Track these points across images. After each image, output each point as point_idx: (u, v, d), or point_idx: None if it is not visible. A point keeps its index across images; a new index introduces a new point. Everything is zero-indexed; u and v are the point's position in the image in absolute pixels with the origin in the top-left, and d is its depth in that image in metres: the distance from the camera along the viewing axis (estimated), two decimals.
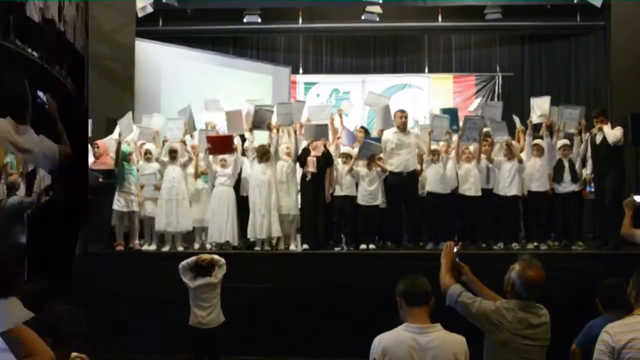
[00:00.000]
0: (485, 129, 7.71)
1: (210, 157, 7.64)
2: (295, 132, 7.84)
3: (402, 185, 7.59)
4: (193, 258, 5.54)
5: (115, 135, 7.80)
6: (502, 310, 3.11)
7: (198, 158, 7.96)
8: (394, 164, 7.59)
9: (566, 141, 7.73)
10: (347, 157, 7.69)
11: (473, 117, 7.79)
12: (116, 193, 7.55)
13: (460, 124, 8.01)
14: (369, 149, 7.49)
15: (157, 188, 7.60)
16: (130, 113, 7.92)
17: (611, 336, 2.90)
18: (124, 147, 7.70)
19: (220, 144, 7.64)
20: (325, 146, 7.66)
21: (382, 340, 2.84)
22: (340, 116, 8.36)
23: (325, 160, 7.61)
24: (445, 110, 8.12)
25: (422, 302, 2.89)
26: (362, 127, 8.43)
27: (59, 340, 2.42)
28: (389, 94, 12.73)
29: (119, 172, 7.58)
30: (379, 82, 12.89)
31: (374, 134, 8.28)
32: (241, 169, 7.77)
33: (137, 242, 7.72)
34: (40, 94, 2.90)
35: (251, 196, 7.50)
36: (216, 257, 5.62)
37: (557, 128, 7.67)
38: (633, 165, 8.69)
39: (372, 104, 8.39)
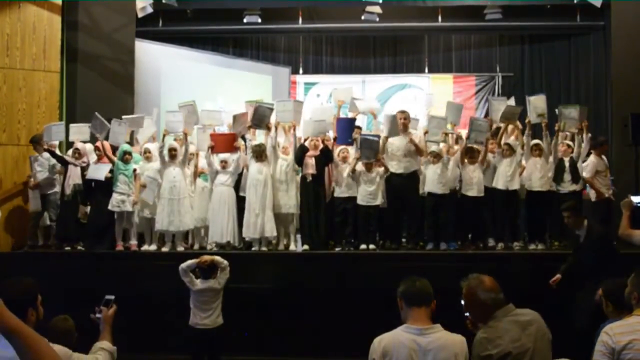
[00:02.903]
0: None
1: (212, 156, 7.64)
2: (294, 128, 7.83)
3: (403, 185, 7.57)
4: (194, 260, 5.49)
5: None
6: (488, 334, 3.00)
7: (198, 157, 7.98)
8: (395, 165, 7.59)
9: (569, 141, 7.74)
10: (346, 151, 7.68)
11: (478, 119, 7.74)
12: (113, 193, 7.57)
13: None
14: (370, 145, 7.40)
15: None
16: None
17: (611, 337, 2.89)
18: (123, 147, 7.71)
19: (223, 142, 7.63)
20: (323, 142, 7.64)
21: (382, 341, 2.83)
22: (340, 107, 8.31)
23: (325, 158, 7.60)
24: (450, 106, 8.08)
25: (422, 303, 2.88)
26: (357, 127, 8.30)
27: (34, 305, 2.60)
28: (389, 94, 12.78)
29: (114, 172, 7.59)
30: (379, 82, 12.92)
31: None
32: (243, 169, 7.76)
33: (133, 242, 7.70)
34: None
35: (247, 195, 7.50)
36: (218, 258, 5.55)
37: (558, 128, 7.65)
38: (633, 165, 8.71)
39: (365, 110, 8.33)
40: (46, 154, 7.81)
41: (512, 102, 8.35)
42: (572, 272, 6.00)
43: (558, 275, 6.02)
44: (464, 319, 3.32)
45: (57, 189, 7.92)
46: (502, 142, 7.67)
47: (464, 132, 7.86)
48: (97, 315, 3.07)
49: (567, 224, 6.10)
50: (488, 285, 3.13)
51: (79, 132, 7.95)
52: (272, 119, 7.74)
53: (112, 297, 3.13)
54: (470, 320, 3.29)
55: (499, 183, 7.56)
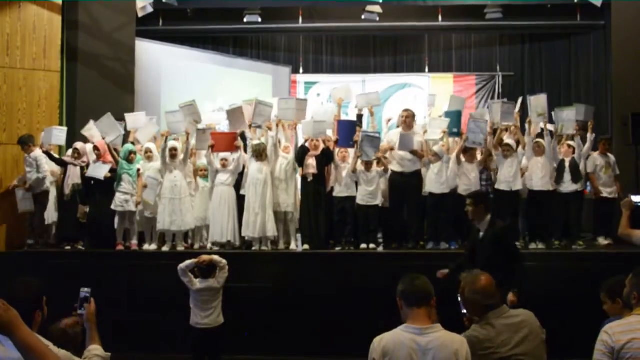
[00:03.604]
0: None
1: (212, 155, 7.64)
2: (295, 127, 7.83)
3: (404, 184, 7.58)
4: (192, 260, 5.48)
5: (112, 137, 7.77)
6: (478, 334, 3.02)
7: (196, 157, 7.98)
8: (397, 164, 7.58)
9: (571, 142, 7.75)
10: (345, 151, 7.68)
11: (477, 120, 7.76)
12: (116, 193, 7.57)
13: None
14: (371, 143, 7.37)
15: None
16: (109, 114, 7.79)
17: (610, 336, 2.89)
18: (127, 146, 7.72)
19: (223, 141, 7.63)
20: (325, 142, 7.64)
21: (382, 341, 2.82)
22: (340, 106, 8.28)
23: (326, 158, 7.59)
24: (448, 114, 8.01)
25: (421, 303, 2.87)
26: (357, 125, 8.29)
27: (40, 307, 2.58)
28: (389, 93, 12.77)
29: (118, 171, 7.60)
30: (379, 82, 12.91)
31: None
32: (244, 168, 7.76)
33: (133, 242, 7.70)
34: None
35: (247, 194, 7.49)
36: (216, 257, 5.54)
37: (555, 131, 7.64)
38: (633, 165, 8.71)
39: (365, 105, 8.31)
40: (34, 155, 7.83)
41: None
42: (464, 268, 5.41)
43: (445, 270, 5.43)
44: (462, 316, 3.33)
45: (47, 188, 7.93)
46: (503, 142, 7.67)
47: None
48: (80, 311, 3.00)
49: (467, 214, 5.61)
50: (478, 287, 3.14)
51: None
52: (273, 117, 7.74)
53: (89, 290, 3.03)
54: (468, 319, 3.30)
55: (502, 184, 7.55)
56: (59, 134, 8.02)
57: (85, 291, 3.03)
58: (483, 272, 3.23)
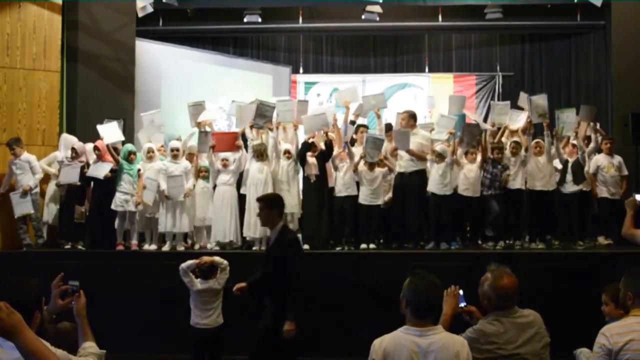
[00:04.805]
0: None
1: (213, 155, 7.64)
2: (295, 127, 7.83)
3: (405, 184, 7.58)
4: (193, 261, 5.48)
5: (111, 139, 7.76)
6: (485, 329, 3.05)
7: (197, 158, 7.98)
8: (402, 164, 7.60)
9: (575, 141, 7.75)
10: (344, 152, 7.68)
11: (470, 124, 7.80)
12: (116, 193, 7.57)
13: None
14: (374, 145, 7.38)
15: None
16: (115, 123, 7.82)
17: (608, 338, 2.88)
18: (127, 146, 7.72)
19: (225, 142, 7.63)
20: (327, 134, 7.60)
21: (383, 343, 2.81)
22: (347, 107, 8.21)
23: (327, 152, 7.58)
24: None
25: (429, 315, 2.86)
26: (363, 125, 8.30)
27: (39, 307, 2.54)
28: (389, 93, 12.75)
29: (118, 171, 7.59)
30: (379, 82, 12.90)
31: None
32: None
33: (133, 242, 7.69)
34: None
35: (248, 194, 7.48)
36: (217, 258, 5.55)
37: (555, 133, 7.64)
38: (633, 165, 8.70)
39: (370, 108, 8.29)
40: (24, 157, 7.82)
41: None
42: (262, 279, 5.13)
43: (242, 284, 5.06)
44: (462, 310, 3.32)
45: (37, 189, 7.91)
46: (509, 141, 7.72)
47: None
48: (70, 305, 2.98)
49: (258, 217, 5.19)
50: (498, 285, 3.14)
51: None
52: (274, 119, 7.74)
53: (77, 283, 2.99)
54: (466, 312, 3.31)
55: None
56: (71, 171, 7.89)
57: (73, 284, 2.99)
58: (509, 272, 3.20)
